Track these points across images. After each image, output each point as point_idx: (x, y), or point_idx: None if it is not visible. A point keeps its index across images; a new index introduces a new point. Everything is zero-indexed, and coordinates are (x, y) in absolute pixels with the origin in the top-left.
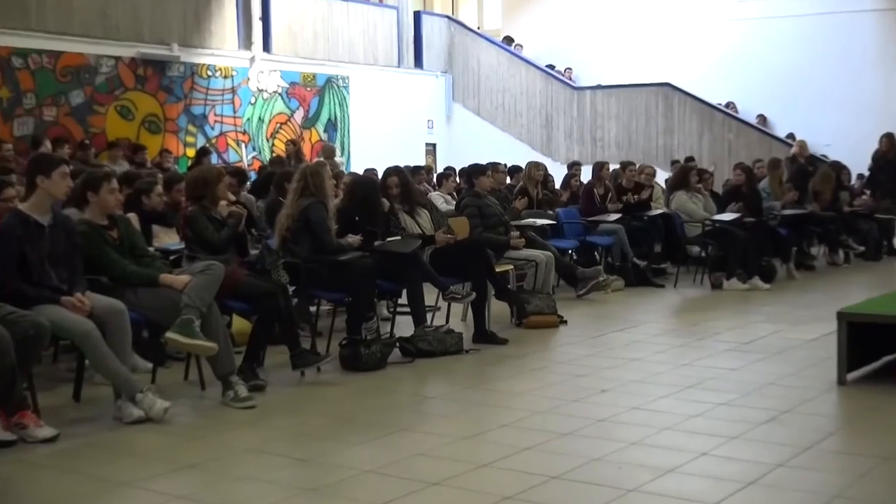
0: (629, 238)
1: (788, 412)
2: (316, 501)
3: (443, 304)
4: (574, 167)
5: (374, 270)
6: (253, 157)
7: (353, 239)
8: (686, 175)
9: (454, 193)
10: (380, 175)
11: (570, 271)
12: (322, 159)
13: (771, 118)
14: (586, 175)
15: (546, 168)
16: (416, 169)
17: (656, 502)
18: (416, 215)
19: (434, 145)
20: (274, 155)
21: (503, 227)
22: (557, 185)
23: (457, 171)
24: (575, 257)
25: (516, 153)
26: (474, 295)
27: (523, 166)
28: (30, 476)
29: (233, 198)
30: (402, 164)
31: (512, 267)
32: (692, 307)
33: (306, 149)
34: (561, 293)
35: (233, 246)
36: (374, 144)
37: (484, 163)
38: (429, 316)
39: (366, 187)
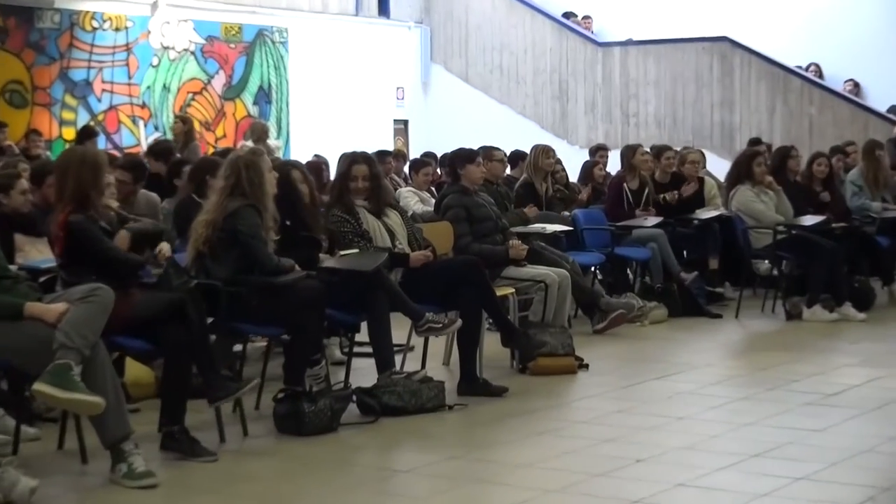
0: (674, 249)
1: (891, 490)
2: None
3: (418, 342)
4: (598, 153)
5: (323, 296)
6: (155, 140)
7: (286, 262)
8: (750, 163)
9: (433, 189)
10: (332, 166)
11: (591, 298)
12: (253, 144)
13: (866, 86)
14: (615, 164)
15: (556, 157)
16: (381, 155)
17: None
18: (384, 218)
19: (405, 123)
20: (157, 137)
21: (500, 234)
22: (574, 178)
23: (437, 159)
24: (599, 277)
25: (519, 133)
26: (459, 322)
27: (528, 152)
28: None
29: (115, 203)
30: (362, 150)
31: (513, 291)
32: (760, 345)
33: (228, 127)
34: (581, 327)
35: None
36: (322, 122)
37: (473, 147)
38: (398, 358)
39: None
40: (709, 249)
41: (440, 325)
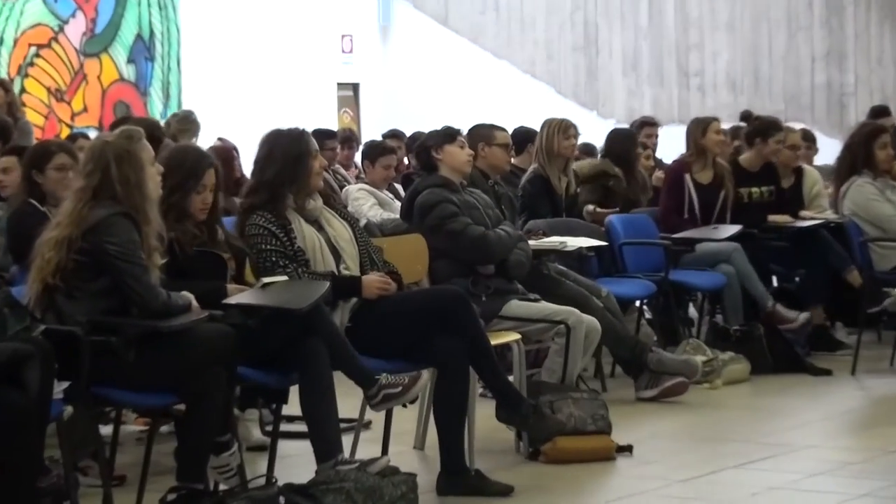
0: (760, 272)
1: None
2: None
3: (376, 415)
4: (643, 131)
5: (233, 347)
6: None
7: (179, 298)
8: (870, 144)
9: (397, 187)
10: (244, 153)
11: (635, 351)
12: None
13: None
14: (669, 147)
15: (577, 134)
16: (319, 138)
17: None
18: (325, 229)
19: (354, 88)
20: None
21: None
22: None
23: (403, 142)
24: (648, 317)
25: (525, 102)
26: (424, 378)
27: (538, 130)
28: None
29: None
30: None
31: (518, 337)
32: (888, 416)
33: (91, 97)
34: (621, 390)
35: None
36: (229, 88)
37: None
38: (347, 440)
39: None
40: (813, 274)
41: (398, 388)
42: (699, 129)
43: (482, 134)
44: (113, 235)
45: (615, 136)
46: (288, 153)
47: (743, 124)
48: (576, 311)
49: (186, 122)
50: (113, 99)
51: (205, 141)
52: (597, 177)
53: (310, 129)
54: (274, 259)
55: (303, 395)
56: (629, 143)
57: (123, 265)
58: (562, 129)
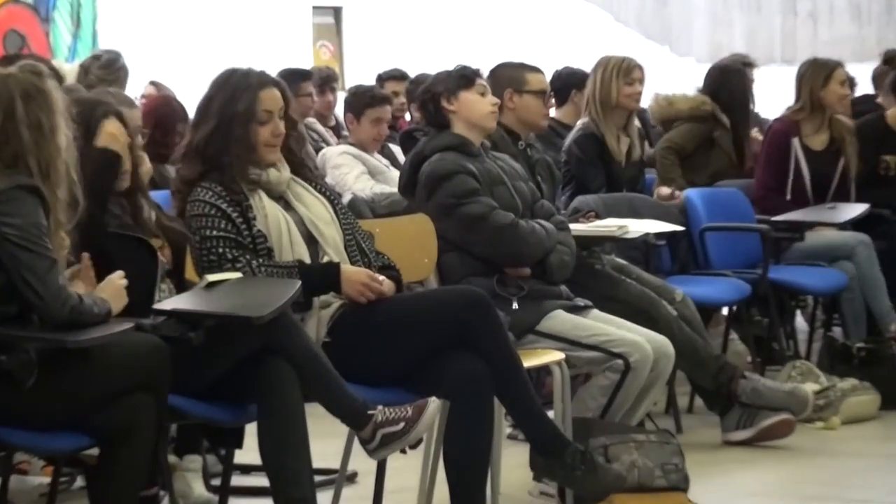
0: (892, 278)
1: None
2: None
3: (364, 463)
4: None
5: (165, 368)
6: None
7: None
8: None
9: (393, 150)
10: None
11: (722, 379)
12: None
13: None
14: (767, 97)
15: (642, 76)
16: (291, 80)
17: None
18: (295, 207)
19: (336, 12)
20: None
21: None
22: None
23: (404, 87)
24: (739, 330)
25: (575, 36)
26: (433, 406)
27: (589, 72)
28: None
29: None
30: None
31: (561, 357)
32: None
33: None
34: (702, 431)
35: None
36: (165, 15)
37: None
38: (325, 498)
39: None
40: None
41: (399, 425)
42: (818, 76)
43: (510, 77)
44: (12, 215)
45: (722, 73)
46: (224, 111)
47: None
48: (643, 341)
49: (112, 70)
50: (3, 27)
51: (133, 87)
52: (699, 119)
53: (275, 70)
54: (222, 249)
55: (262, 436)
56: (741, 82)
57: (23, 255)
58: (622, 70)
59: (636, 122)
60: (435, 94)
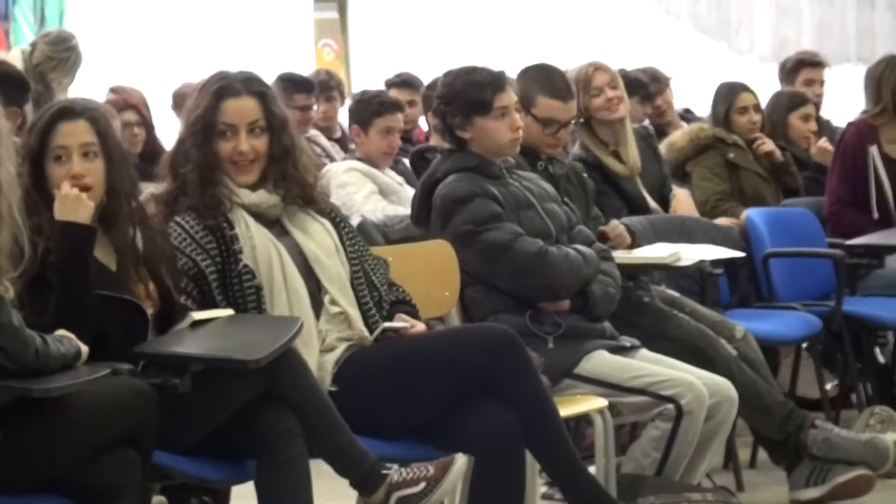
0: None
1: None
2: None
3: None
4: (801, 74)
5: (151, 419)
6: None
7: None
8: None
9: (406, 163)
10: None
11: (788, 428)
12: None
13: None
14: (840, 100)
15: (613, 83)
16: (289, 88)
17: None
18: (291, 229)
19: (341, 7)
20: None
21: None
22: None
23: (420, 93)
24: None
25: (622, 32)
26: (460, 463)
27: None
28: None
29: None
30: (240, 71)
31: (603, 404)
32: None
33: None
34: (766, 485)
35: None
36: (141, 9)
37: (494, 69)
38: None
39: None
40: None
41: (419, 486)
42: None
43: (524, 90)
44: None
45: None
46: (187, 121)
47: None
48: (696, 381)
49: (62, 48)
50: None
51: (97, 92)
52: (703, 149)
53: (268, 76)
54: (197, 284)
55: (262, 498)
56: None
57: None
58: (580, 84)
59: (628, 130)
60: (452, 106)
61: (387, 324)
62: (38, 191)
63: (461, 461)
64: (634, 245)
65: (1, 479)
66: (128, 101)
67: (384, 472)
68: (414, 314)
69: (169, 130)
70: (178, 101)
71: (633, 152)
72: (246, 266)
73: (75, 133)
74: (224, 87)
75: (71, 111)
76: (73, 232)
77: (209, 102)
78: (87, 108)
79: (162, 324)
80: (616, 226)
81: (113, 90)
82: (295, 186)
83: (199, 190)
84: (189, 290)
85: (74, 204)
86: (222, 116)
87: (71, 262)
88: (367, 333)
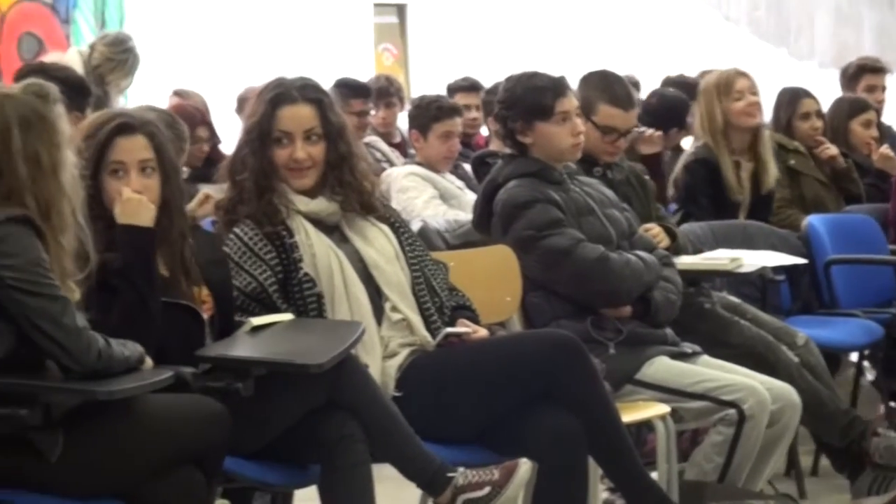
0: None
1: None
2: None
3: None
4: (864, 79)
5: (224, 433)
6: None
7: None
8: None
9: (466, 168)
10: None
11: (851, 436)
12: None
13: None
14: None
15: (753, 87)
16: (347, 94)
17: None
18: (351, 236)
19: (401, 10)
20: None
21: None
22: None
23: (480, 97)
24: (870, 378)
25: (682, 37)
26: (524, 470)
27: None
28: None
29: None
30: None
31: (665, 410)
32: None
33: None
34: (829, 493)
35: None
36: (203, 15)
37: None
38: None
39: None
40: None
41: (484, 490)
42: None
43: (585, 97)
44: (7, 255)
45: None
46: (251, 127)
47: None
48: (758, 385)
49: (120, 50)
50: (16, 29)
51: (158, 97)
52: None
53: (327, 81)
54: (256, 291)
55: (325, 501)
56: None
57: (30, 301)
58: (721, 88)
59: (767, 141)
60: (507, 124)
61: (449, 329)
62: (91, 201)
63: (526, 466)
64: (675, 246)
65: (61, 484)
66: (204, 118)
67: (450, 474)
68: (475, 319)
69: (228, 134)
70: (242, 105)
71: (771, 167)
72: (306, 274)
73: (133, 149)
74: (280, 94)
75: (129, 126)
76: (136, 235)
77: (265, 110)
78: (144, 122)
79: (218, 328)
80: (651, 226)
81: (176, 93)
82: (353, 193)
83: (256, 197)
84: (250, 309)
85: (137, 207)
86: (278, 124)
87: (136, 264)
88: (429, 339)
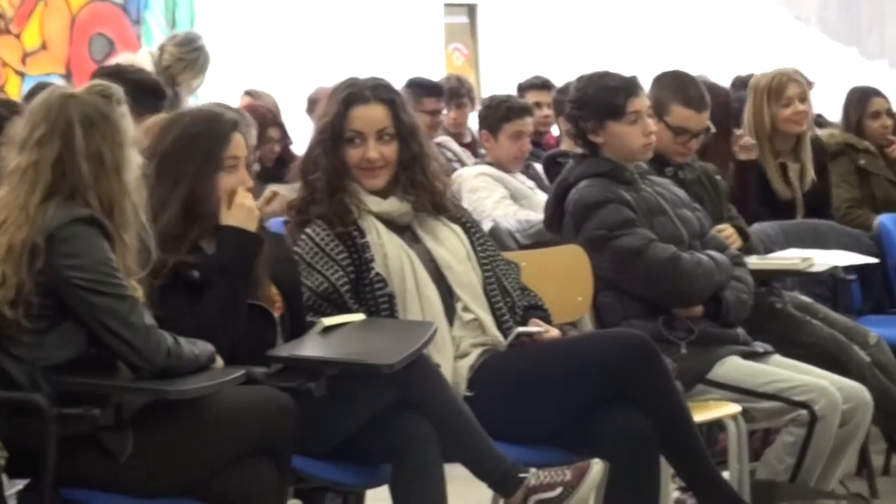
0: None
1: None
2: None
3: None
4: None
5: (291, 429)
6: None
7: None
8: None
9: (538, 168)
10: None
11: None
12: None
13: None
14: None
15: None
16: (418, 93)
17: None
18: (423, 236)
19: (470, 10)
20: None
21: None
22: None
23: (552, 96)
24: None
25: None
26: (596, 471)
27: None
28: None
29: None
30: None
31: (737, 409)
32: None
33: (54, 22)
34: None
35: None
36: (274, 15)
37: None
38: None
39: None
40: None
41: (556, 490)
42: None
43: (656, 97)
44: (74, 255)
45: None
46: (323, 127)
47: None
48: (829, 386)
49: (190, 49)
50: (88, 30)
51: (229, 97)
52: (833, 156)
53: (397, 82)
54: (330, 291)
55: (397, 501)
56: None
57: (98, 300)
58: (772, 91)
59: (808, 146)
60: (577, 120)
61: (521, 329)
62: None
63: (598, 467)
64: (747, 246)
65: (133, 481)
66: (275, 119)
67: (521, 475)
68: (546, 319)
69: (298, 133)
70: (312, 105)
71: (808, 169)
72: (378, 274)
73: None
74: (353, 94)
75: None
76: (245, 239)
77: (338, 110)
78: (238, 118)
79: (289, 328)
80: (724, 227)
81: (248, 93)
82: (424, 193)
83: (328, 197)
84: (322, 309)
85: (249, 214)
86: (351, 123)
87: (238, 266)
88: (501, 339)
